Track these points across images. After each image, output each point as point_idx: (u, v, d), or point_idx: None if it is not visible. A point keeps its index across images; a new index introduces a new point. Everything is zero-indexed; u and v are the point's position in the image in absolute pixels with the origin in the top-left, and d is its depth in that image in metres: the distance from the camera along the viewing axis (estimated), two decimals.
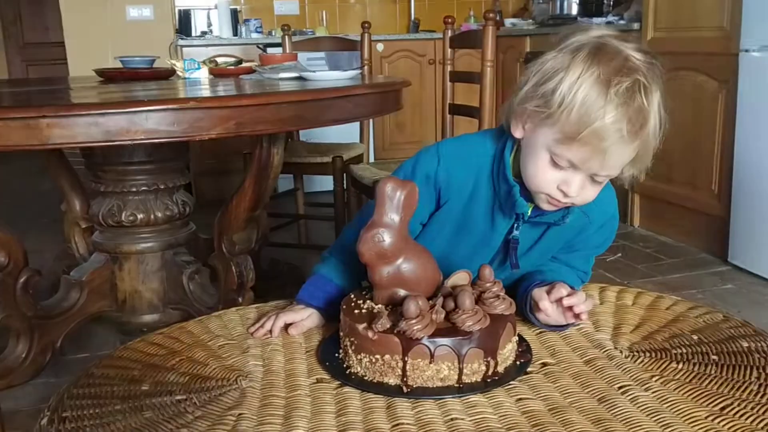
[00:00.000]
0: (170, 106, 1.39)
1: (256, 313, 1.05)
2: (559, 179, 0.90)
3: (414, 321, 0.80)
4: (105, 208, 1.98)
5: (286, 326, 0.98)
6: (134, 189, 1.95)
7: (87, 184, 2.20)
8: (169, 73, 2.36)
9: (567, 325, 0.97)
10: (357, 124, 3.08)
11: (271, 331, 0.97)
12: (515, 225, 0.99)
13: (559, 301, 0.94)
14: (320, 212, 3.25)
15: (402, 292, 0.88)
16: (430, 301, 0.85)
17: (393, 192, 0.86)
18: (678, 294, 2.59)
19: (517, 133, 0.94)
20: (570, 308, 0.93)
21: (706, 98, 2.95)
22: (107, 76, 2.35)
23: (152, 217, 1.98)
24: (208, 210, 2.60)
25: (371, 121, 3.51)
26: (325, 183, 3.54)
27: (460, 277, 0.91)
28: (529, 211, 0.98)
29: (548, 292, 0.95)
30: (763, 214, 2.66)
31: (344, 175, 2.68)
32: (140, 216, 1.97)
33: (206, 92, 1.81)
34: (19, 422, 1.78)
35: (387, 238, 0.86)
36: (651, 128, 0.86)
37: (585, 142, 0.84)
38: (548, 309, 0.94)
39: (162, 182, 1.98)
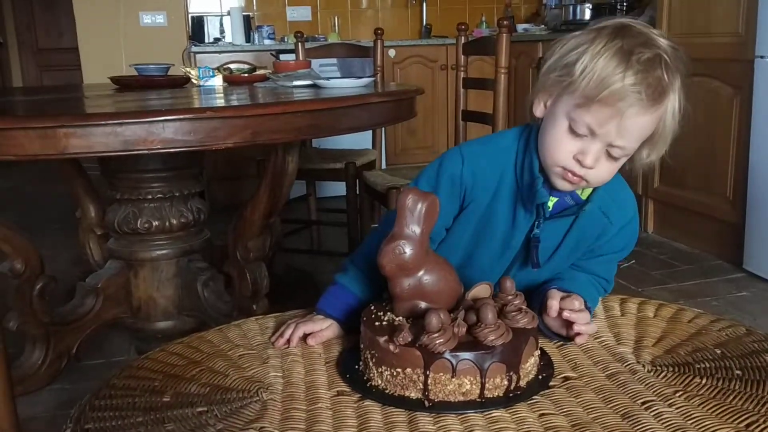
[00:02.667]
0: (187, 116, 1.40)
1: (275, 323, 1.05)
2: (576, 149, 0.91)
3: (436, 335, 0.80)
4: (120, 215, 1.99)
5: (305, 336, 0.98)
6: (149, 196, 1.96)
7: (102, 192, 2.21)
8: (183, 81, 2.37)
9: (568, 339, 0.97)
10: (369, 131, 3.08)
11: (289, 341, 0.97)
12: (536, 223, 0.99)
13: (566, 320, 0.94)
14: (333, 218, 3.25)
15: (423, 305, 0.88)
16: (452, 314, 0.85)
17: (414, 204, 0.86)
18: (693, 301, 2.58)
19: (538, 112, 0.96)
20: (570, 326, 0.94)
21: (720, 104, 2.94)
22: (122, 84, 2.36)
23: (167, 224, 1.99)
24: (222, 216, 2.61)
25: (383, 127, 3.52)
26: (337, 189, 3.54)
27: (482, 290, 0.91)
28: (551, 206, 0.98)
29: (562, 298, 0.95)
30: None
31: (357, 181, 2.68)
32: (155, 223, 1.98)
33: (221, 101, 1.82)
34: (35, 428, 1.79)
35: (408, 250, 0.86)
36: (670, 105, 0.88)
37: (604, 103, 0.86)
38: (553, 308, 0.94)
39: (177, 190, 1.99)
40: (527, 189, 0.96)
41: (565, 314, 0.93)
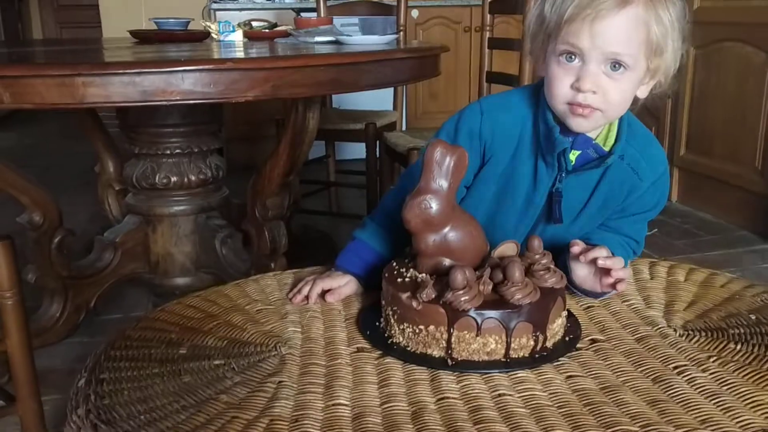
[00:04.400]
0: (207, 67, 1.36)
1: (293, 279, 1.03)
2: (572, 78, 0.88)
3: (461, 292, 0.77)
4: (139, 170, 1.97)
5: (324, 293, 0.95)
6: (168, 152, 1.94)
7: (121, 146, 2.19)
8: (203, 36, 2.33)
9: (602, 294, 0.93)
10: (390, 92, 3.03)
11: (308, 297, 0.95)
12: (558, 177, 0.95)
13: (594, 263, 0.90)
14: (351, 180, 3.22)
15: (447, 262, 0.85)
16: (477, 272, 0.82)
17: (442, 157, 0.83)
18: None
19: (542, 71, 0.93)
20: (606, 274, 0.90)
21: (752, 70, 2.85)
22: (142, 38, 2.33)
23: (186, 180, 1.97)
24: (240, 175, 2.58)
25: (404, 88, 3.45)
26: (356, 151, 3.50)
27: (508, 248, 0.87)
28: (573, 159, 0.94)
29: (586, 250, 0.91)
30: None
31: (377, 142, 2.64)
32: (174, 179, 1.96)
33: (242, 54, 1.78)
34: (53, 381, 1.80)
35: (434, 205, 0.82)
36: (650, 8, 0.85)
37: (572, 19, 0.85)
38: (576, 248, 0.91)
39: (196, 145, 1.96)
40: (545, 140, 0.93)
41: (600, 261, 0.89)
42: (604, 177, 0.95)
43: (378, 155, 2.64)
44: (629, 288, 0.99)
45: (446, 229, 0.84)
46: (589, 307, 0.94)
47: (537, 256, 0.86)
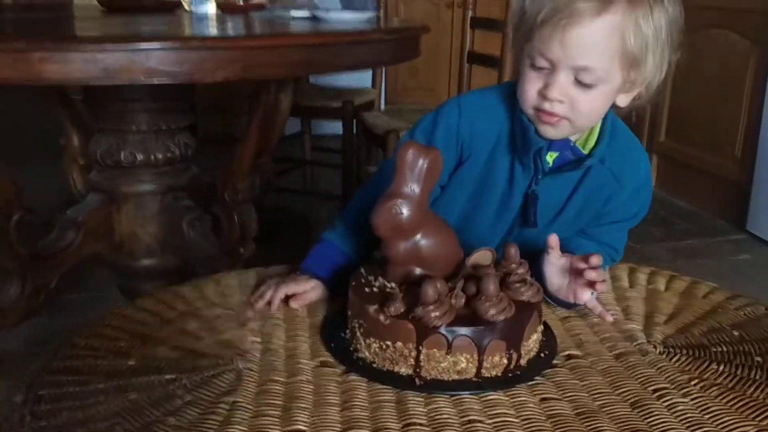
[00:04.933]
0: (173, 45, 1.29)
1: (256, 279, 0.97)
2: (540, 84, 0.84)
3: (431, 307, 0.72)
4: (103, 146, 1.88)
5: (288, 298, 0.90)
6: (134, 128, 1.85)
7: (86, 120, 2.10)
8: (174, 6, 2.23)
9: (575, 305, 0.89)
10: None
11: (270, 303, 0.89)
12: (534, 180, 0.91)
13: (575, 272, 0.85)
14: (328, 158, 3.15)
15: (418, 271, 0.80)
16: (450, 284, 0.77)
17: (415, 159, 0.77)
18: (692, 261, 2.52)
19: (520, 59, 0.88)
20: (585, 285, 0.85)
21: (736, 58, 2.81)
22: (109, 6, 2.22)
23: (152, 158, 1.88)
24: (214, 148, 2.50)
25: None
26: (334, 126, 3.42)
27: (483, 256, 0.82)
28: (550, 161, 0.89)
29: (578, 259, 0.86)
30: None
31: (354, 121, 2.57)
32: (140, 157, 1.87)
33: (214, 30, 1.70)
34: (11, 364, 1.74)
35: (405, 210, 0.77)
36: (628, 15, 0.79)
37: (544, 24, 0.80)
38: (552, 242, 0.87)
39: (164, 123, 1.87)
40: (521, 140, 0.89)
41: (587, 273, 0.84)
42: (582, 181, 0.91)
43: (356, 134, 2.57)
44: (608, 297, 0.95)
45: (418, 236, 0.79)
46: (566, 317, 0.90)
47: (513, 266, 0.81)
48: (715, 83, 2.92)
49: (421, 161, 0.77)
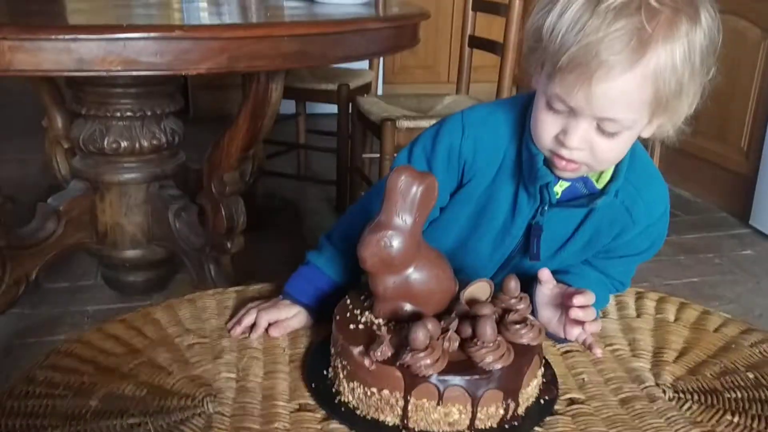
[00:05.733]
0: (152, 34, 1.21)
1: (236, 301, 0.90)
2: (557, 128, 0.75)
3: (422, 354, 0.65)
4: (86, 132, 1.80)
5: (268, 325, 0.83)
6: (118, 114, 1.76)
7: (69, 103, 2.01)
8: None
9: (566, 340, 0.83)
10: None
11: (249, 330, 0.82)
12: (540, 209, 0.83)
13: (566, 306, 0.79)
14: (322, 142, 3.06)
15: (409, 307, 0.73)
16: (443, 323, 0.70)
17: (407, 187, 0.70)
18: (694, 257, 2.45)
19: (533, 83, 0.78)
20: (574, 323, 0.78)
21: (746, 47, 2.72)
22: None
23: (137, 145, 1.80)
24: (205, 128, 2.42)
25: None
26: (330, 106, 3.33)
27: (480, 289, 0.75)
28: (559, 192, 0.82)
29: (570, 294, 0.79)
30: None
31: (349, 105, 2.48)
32: (124, 144, 1.79)
33: (205, 16, 1.61)
34: None
35: (396, 243, 0.70)
36: (665, 56, 0.68)
37: (568, 69, 0.69)
38: (544, 276, 0.81)
39: (149, 108, 1.79)
40: (528, 168, 0.80)
41: (572, 313, 0.77)
42: (592, 214, 0.83)
43: (351, 118, 2.48)
44: (613, 327, 0.89)
45: (409, 271, 0.72)
46: (567, 351, 0.83)
47: (513, 301, 0.75)
48: (724, 72, 2.82)
49: (414, 189, 0.70)
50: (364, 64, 2.85)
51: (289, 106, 3.04)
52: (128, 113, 1.77)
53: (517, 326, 0.71)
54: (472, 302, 0.74)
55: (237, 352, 0.80)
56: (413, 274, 0.72)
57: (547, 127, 0.75)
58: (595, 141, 0.74)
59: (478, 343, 0.67)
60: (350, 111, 2.47)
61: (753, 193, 2.68)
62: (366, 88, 2.74)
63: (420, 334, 0.66)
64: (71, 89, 1.81)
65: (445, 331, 0.69)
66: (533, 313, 0.83)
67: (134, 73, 1.23)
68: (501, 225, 0.85)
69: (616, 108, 0.71)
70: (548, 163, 0.79)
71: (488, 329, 0.67)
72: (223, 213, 1.71)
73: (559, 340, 0.84)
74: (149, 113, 1.80)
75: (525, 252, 0.86)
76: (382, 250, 0.70)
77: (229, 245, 1.73)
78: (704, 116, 2.91)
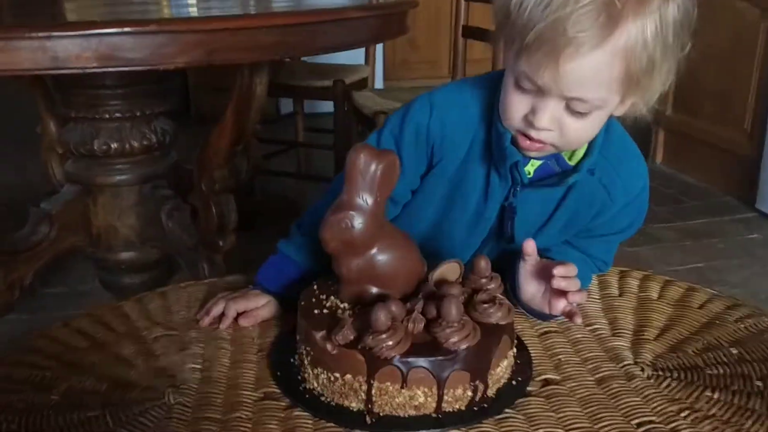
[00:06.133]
0: (127, 29, 1.19)
1: (207, 292, 0.88)
2: (526, 108, 0.72)
3: (384, 335, 0.63)
4: (76, 135, 1.80)
5: (238, 315, 0.81)
6: (107, 116, 1.76)
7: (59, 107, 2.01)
8: None
9: (552, 316, 0.80)
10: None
11: (220, 320, 0.81)
12: (512, 191, 0.81)
13: (548, 278, 0.76)
14: (320, 139, 3.04)
15: (374, 290, 0.71)
16: (408, 305, 0.68)
17: (366, 166, 0.68)
18: (699, 243, 2.41)
19: (503, 61, 0.75)
20: (559, 296, 0.76)
21: (745, 28, 2.68)
22: None
23: (127, 146, 1.79)
24: (206, 128, 2.41)
25: None
26: (328, 104, 3.31)
27: (450, 269, 0.73)
28: (531, 171, 0.79)
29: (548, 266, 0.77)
30: None
31: (346, 101, 2.47)
32: (114, 145, 1.78)
33: (193, 10, 1.60)
34: None
35: (357, 223, 0.68)
36: (636, 32, 0.65)
37: (535, 47, 0.66)
38: (532, 255, 0.77)
39: (138, 109, 1.78)
40: (497, 148, 0.78)
41: (555, 282, 0.74)
42: (569, 193, 0.81)
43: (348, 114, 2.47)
44: (594, 308, 0.86)
45: (372, 251, 0.70)
46: (545, 332, 0.81)
47: (483, 281, 0.73)
48: (724, 54, 2.78)
49: (373, 167, 0.68)
50: (359, 60, 2.84)
51: (287, 105, 3.03)
52: (117, 114, 1.76)
53: (485, 305, 0.69)
54: (441, 283, 0.72)
55: (205, 343, 0.78)
56: (377, 255, 0.70)
57: (515, 106, 0.73)
58: (565, 121, 0.71)
59: (443, 323, 0.65)
60: (347, 106, 2.45)
61: (758, 176, 2.64)
62: (362, 84, 2.72)
63: (381, 316, 0.64)
64: (59, 92, 1.81)
65: (410, 312, 0.67)
66: (516, 290, 0.81)
67: (111, 69, 1.23)
68: (474, 208, 0.83)
69: (586, 87, 0.68)
70: (515, 142, 0.76)
71: (453, 308, 0.65)
72: (214, 211, 1.70)
73: (544, 317, 0.81)
74: (138, 114, 1.78)
75: (501, 235, 0.84)
76: (344, 231, 0.68)
77: (221, 243, 1.72)
78: (707, 100, 2.88)
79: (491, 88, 0.81)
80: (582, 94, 0.69)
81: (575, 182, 0.78)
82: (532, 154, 0.76)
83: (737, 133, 2.77)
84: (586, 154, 0.79)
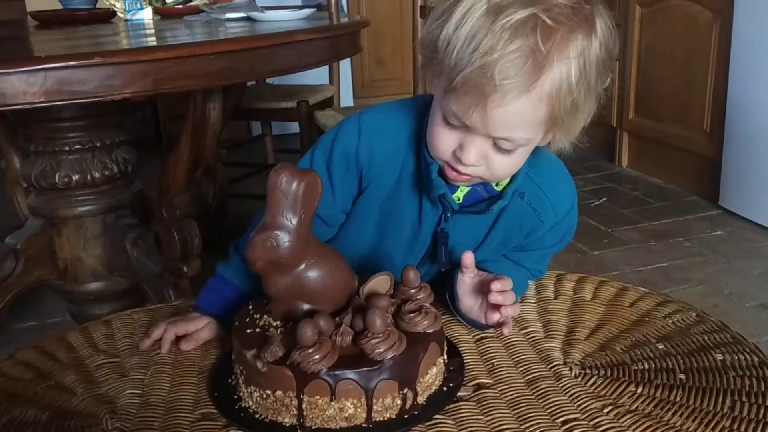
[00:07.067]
0: (71, 63, 1.21)
1: (151, 319, 0.90)
2: (454, 143, 0.74)
3: (310, 350, 0.65)
4: (37, 169, 1.80)
5: (179, 338, 0.83)
6: (67, 148, 1.77)
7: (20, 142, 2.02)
8: (109, 15, 2.15)
9: (488, 326, 0.82)
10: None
11: (158, 344, 0.82)
12: (443, 216, 0.83)
13: (485, 292, 0.78)
14: (290, 160, 3.03)
15: (305, 306, 0.73)
16: (336, 318, 0.70)
17: (288, 185, 0.70)
18: (665, 242, 2.45)
19: (431, 89, 0.77)
20: (494, 309, 0.78)
21: (699, 30, 2.74)
22: (42, 20, 2.14)
23: (89, 177, 1.80)
24: None
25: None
26: (295, 126, 3.34)
27: (380, 283, 0.75)
28: (461, 197, 0.82)
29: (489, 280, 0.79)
30: (756, 154, 2.49)
31: (310, 121, 2.49)
32: (75, 177, 1.79)
33: (151, 39, 1.62)
34: None
35: (282, 242, 0.70)
36: (559, 75, 0.67)
37: (463, 90, 0.68)
38: (470, 267, 0.80)
39: (98, 139, 1.79)
40: (425, 177, 0.80)
41: (491, 297, 0.77)
42: (500, 217, 0.83)
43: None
44: (529, 312, 0.88)
45: (300, 268, 0.72)
46: (481, 338, 0.83)
47: (412, 291, 0.75)
48: (681, 56, 2.84)
49: (295, 186, 0.70)
50: (324, 80, 2.87)
51: (256, 128, 3.05)
52: (77, 146, 1.77)
53: (412, 314, 0.71)
54: (371, 296, 0.74)
55: (146, 368, 0.79)
56: (305, 271, 0.72)
57: (443, 141, 0.75)
58: (491, 157, 0.74)
59: (368, 335, 0.67)
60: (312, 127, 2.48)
61: (720, 175, 2.69)
62: (328, 103, 2.75)
63: (307, 331, 0.65)
64: (18, 127, 1.82)
65: (338, 326, 0.69)
66: (455, 301, 0.83)
67: (59, 104, 1.24)
68: (409, 232, 0.85)
69: (512, 129, 0.71)
70: (443, 173, 0.78)
71: (377, 319, 0.67)
72: (176, 237, 1.71)
73: (480, 326, 0.84)
74: (98, 144, 1.80)
75: (436, 258, 0.86)
76: (269, 250, 0.70)
77: (185, 269, 1.73)
78: (667, 102, 2.94)
79: (419, 113, 0.82)
80: (508, 134, 0.71)
81: (505, 206, 0.81)
82: (458, 184, 0.79)
83: (698, 134, 2.83)
84: (511, 180, 0.81)
